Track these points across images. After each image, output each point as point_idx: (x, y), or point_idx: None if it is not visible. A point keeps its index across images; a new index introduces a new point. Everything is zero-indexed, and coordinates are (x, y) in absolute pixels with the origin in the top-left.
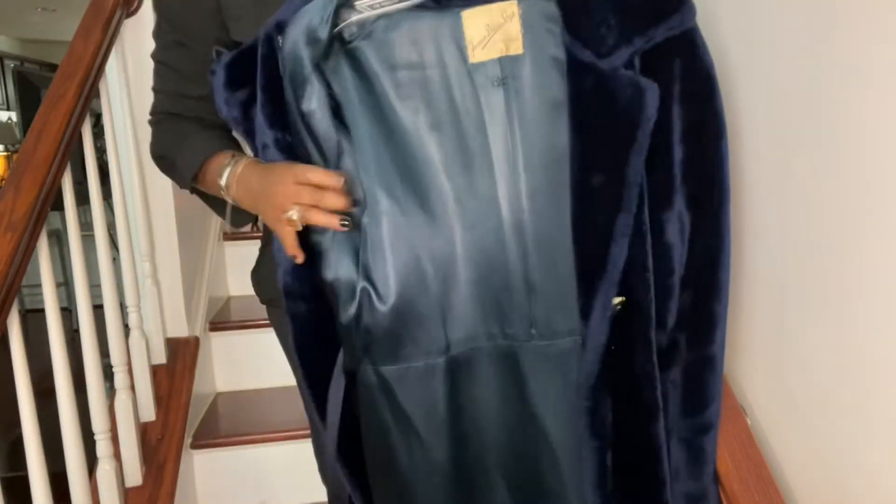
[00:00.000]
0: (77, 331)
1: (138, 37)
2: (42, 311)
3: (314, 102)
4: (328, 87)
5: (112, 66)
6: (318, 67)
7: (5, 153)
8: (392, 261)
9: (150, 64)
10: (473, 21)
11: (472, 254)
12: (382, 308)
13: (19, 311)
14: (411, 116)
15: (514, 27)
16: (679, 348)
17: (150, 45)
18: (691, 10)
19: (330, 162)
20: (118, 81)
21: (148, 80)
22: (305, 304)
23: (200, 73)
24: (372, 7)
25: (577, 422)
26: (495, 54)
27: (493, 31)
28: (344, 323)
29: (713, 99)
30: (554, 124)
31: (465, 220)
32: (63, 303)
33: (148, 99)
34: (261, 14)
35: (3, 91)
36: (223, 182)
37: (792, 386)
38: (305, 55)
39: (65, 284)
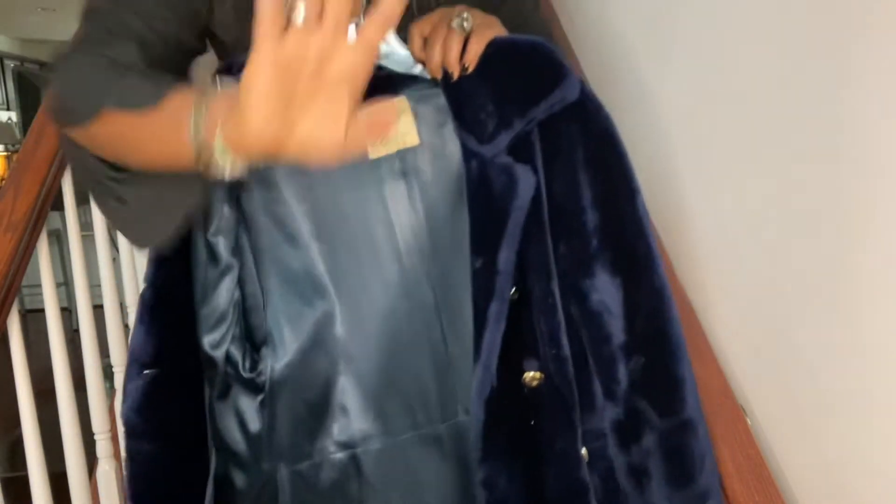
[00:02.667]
0: (77, 331)
1: None
2: (42, 311)
3: (221, 231)
4: (238, 207)
5: None
6: (231, 190)
7: (5, 153)
8: (301, 355)
9: None
10: None
11: (385, 343)
12: (291, 399)
13: (19, 311)
14: (318, 219)
15: (408, 121)
16: (644, 417)
17: None
18: (572, 85)
19: (209, 282)
20: None
21: None
22: (151, 444)
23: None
24: None
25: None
26: (394, 148)
27: None
28: (250, 427)
29: (618, 159)
30: (456, 210)
31: (376, 309)
32: (63, 303)
33: None
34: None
35: (3, 91)
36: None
37: (792, 386)
38: (219, 189)
39: (65, 284)
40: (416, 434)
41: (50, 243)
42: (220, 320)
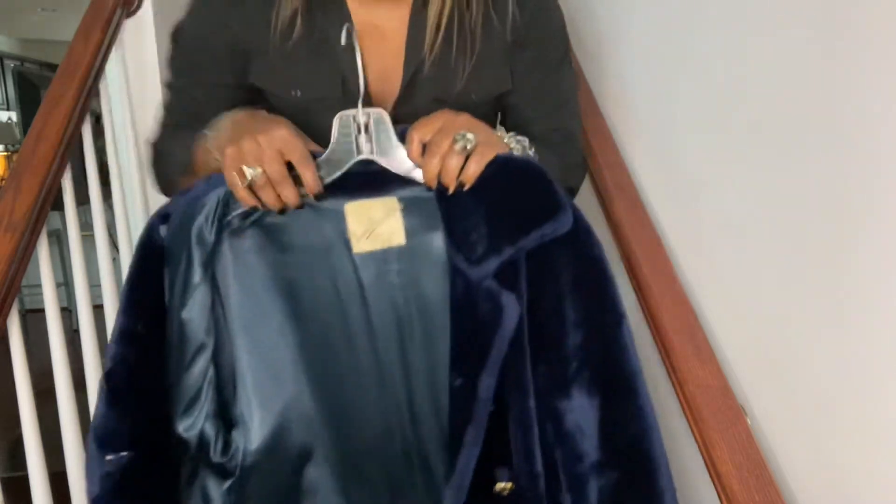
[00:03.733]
0: (77, 331)
1: (138, 37)
2: (42, 311)
3: (195, 309)
4: (214, 285)
5: (112, 66)
6: (207, 267)
7: (5, 153)
8: (272, 440)
9: (150, 63)
10: (356, 215)
11: (355, 430)
12: (260, 485)
13: (19, 311)
14: (294, 303)
15: (396, 221)
16: None
17: (151, 44)
18: (566, 217)
19: (183, 362)
20: (118, 81)
21: (148, 79)
22: None
23: (207, 115)
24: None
25: None
26: (378, 245)
27: (377, 224)
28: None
29: (605, 284)
30: (435, 314)
31: (349, 401)
32: (63, 303)
33: (147, 98)
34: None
35: (3, 91)
36: (209, 133)
37: (792, 386)
38: (195, 257)
39: (65, 284)
40: None
41: (50, 243)
42: (194, 400)
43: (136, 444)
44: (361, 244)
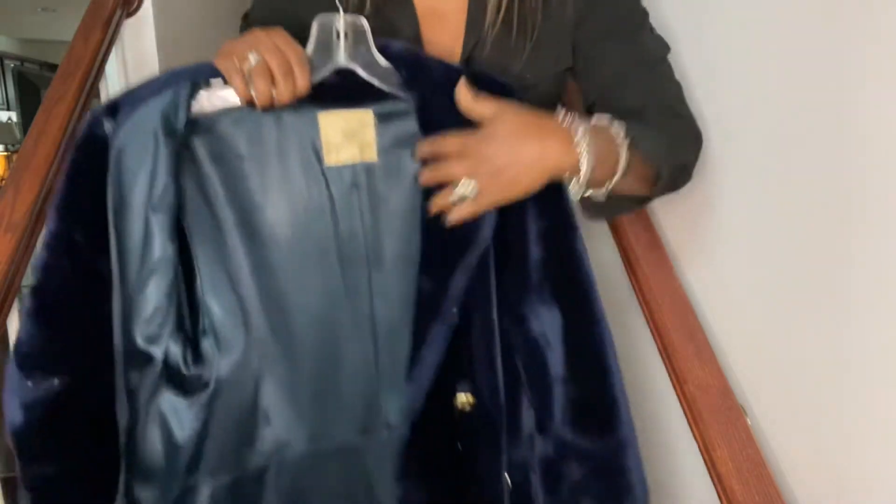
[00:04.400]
0: None
1: (138, 37)
2: None
3: (162, 211)
4: (177, 187)
5: (112, 66)
6: (173, 164)
7: (5, 153)
8: (229, 354)
9: (150, 63)
10: (329, 125)
11: (313, 349)
12: (229, 401)
13: (19, 311)
14: (260, 212)
15: (370, 135)
16: (576, 450)
17: (151, 44)
18: None
19: (145, 269)
20: (118, 81)
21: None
22: (53, 466)
23: None
24: (225, 99)
25: None
26: (350, 159)
27: (349, 137)
28: (176, 435)
29: (561, 202)
30: (404, 229)
31: (311, 315)
32: None
33: None
34: None
35: (3, 91)
36: None
37: (792, 386)
38: (163, 149)
39: None
40: (335, 444)
41: None
42: (157, 311)
43: (69, 370)
44: (332, 156)
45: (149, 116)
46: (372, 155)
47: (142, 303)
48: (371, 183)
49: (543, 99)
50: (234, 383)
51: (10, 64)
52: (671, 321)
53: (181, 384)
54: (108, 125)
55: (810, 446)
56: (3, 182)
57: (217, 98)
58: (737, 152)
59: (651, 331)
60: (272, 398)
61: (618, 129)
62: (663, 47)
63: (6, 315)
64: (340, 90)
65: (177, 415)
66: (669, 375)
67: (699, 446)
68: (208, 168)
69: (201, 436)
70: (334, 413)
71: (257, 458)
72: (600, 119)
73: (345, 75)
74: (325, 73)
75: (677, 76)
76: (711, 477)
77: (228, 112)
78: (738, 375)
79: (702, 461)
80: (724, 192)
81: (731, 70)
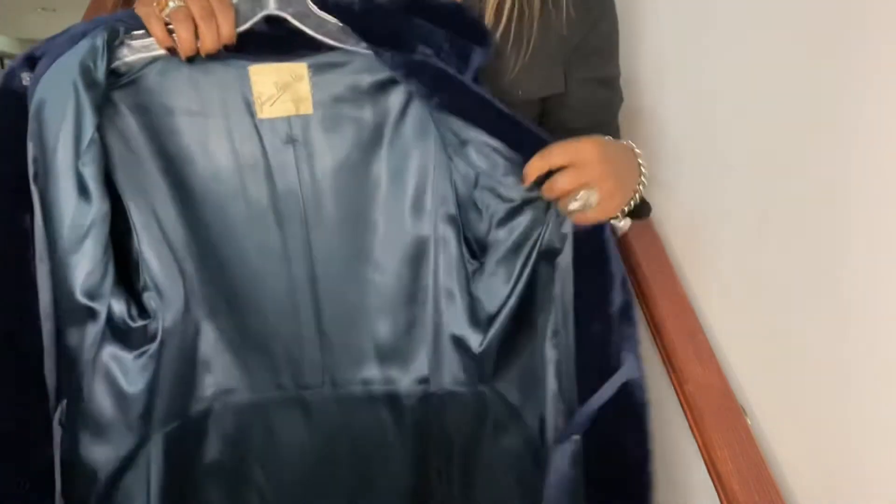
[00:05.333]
0: None
1: None
2: None
3: (91, 166)
4: (103, 142)
5: None
6: (98, 117)
7: None
8: (171, 307)
9: None
10: (261, 77)
11: (251, 302)
12: (173, 352)
13: None
14: (189, 168)
15: (304, 88)
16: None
17: None
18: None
19: (80, 225)
20: None
21: None
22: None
23: None
24: (148, 48)
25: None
26: (284, 113)
27: (283, 90)
28: (126, 389)
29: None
30: (347, 181)
31: (249, 271)
32: None
33: None
34: None
35: None
36: None
37: (792, 386)
38: (85, 100)
39: None
40: (279, 395)
41: None
42: (96, 266)
43: None
44: (265, 110)
45: (67, 67)
46: (308, 108)
47: (79, 260)
48: (308, 137)
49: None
50: (177, 335)
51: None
52: (671, 321)
53: (127, 338)
54: (25, 78)
55: (810, 446)
56: None
57: (139, 46)
58: (737, 152)
59: (651, 331)
60: (212, 349)
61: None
62: (620, 99)
63: None
64: (272, 41)
65: (125, 369)
66: (669, 375)
67: (699, 446)
68: (133, 122)
69: (151, 388)
70: (277, 366)
71: (199, 403)
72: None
73: (277, 24)
74: (253, 20)
75: (677, 80)
76: (711, 477)
77: (153, 63)
78: (738, 375)
79: (702, 461)
80: (725, 191)
81: (730, 70)
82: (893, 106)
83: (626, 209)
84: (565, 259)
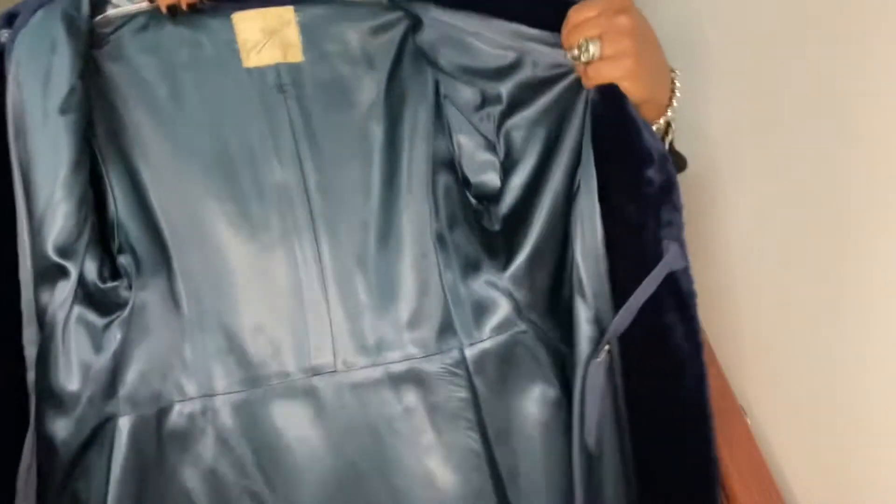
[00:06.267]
0: None
1: None
2: None
3: (71, 116)
4: (85, 93)
5: None
6: (80, 66)
7: None
8: (148, 273)
9: None
10: (245, 24)
11: (254, 268)
12: (149, 323)
13: None
14: (172, 123)
15: (292, 33)
16: None
17: None
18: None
19: (57, 174)
20: None
21: None
22: None
23: None
24: (129, 2)
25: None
26: (271, 60)
27: (269, 36)
28: (92, 357)
29: None
30: (341, 130)
31: (244, 230)
32: None
33: None
34: None
35: None
36: None
37: (792, 386)
38: (67, 49)
39: None
40: (283, 384)
41: None
42: (72, 224)
43: None
44: (252, 58)
45: (49, 20)
46: (296, 55)
47: (55, 216)
48: (299, 84)
49: None
50: (153, 306)
51: None
52: None
53: (97, 302)
54: (3, 34)
55: (810, 446)
56: None
57: (119, 1)
58: (737, 152)
59: None
60: (195, 328)
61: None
62: None
63: None
64: None
65: (92, 335)
66: None
67: None
68: (114, 80)
69: (118, 359)
70: (279, 346)
71: (179, 392)
72: None
73: None
74: None
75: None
76: None
77: (134, 18)
78: (738, 375)
79: None
80: (725, 191)
81: (730, 70)
82: (894, 102)
83: (661, 127)
84: (585, 138)
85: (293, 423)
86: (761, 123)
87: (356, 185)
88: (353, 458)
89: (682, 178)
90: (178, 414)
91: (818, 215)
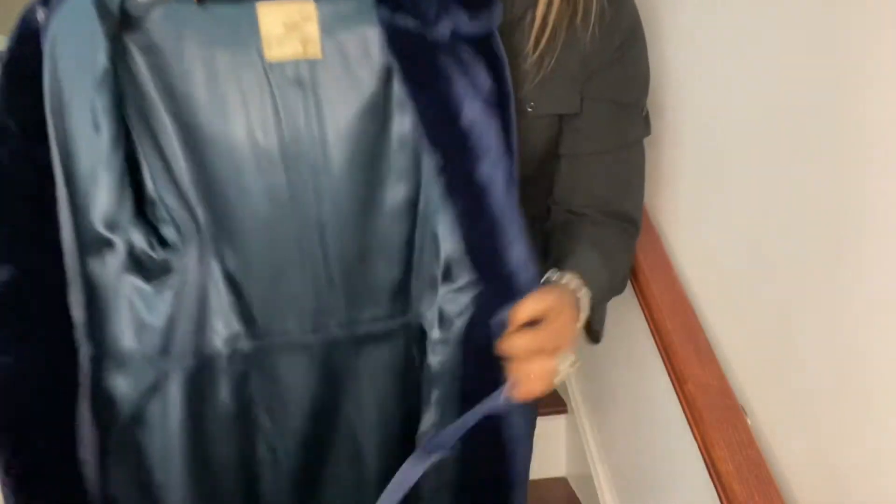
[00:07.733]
0: None
1: None
2: None
3: (105, 96)
4: (117, 75)
5: None
6: (112, 47)
7: None
8: (188, 241)
9: None
10: (269, 16)
11: (264, 249)
12: (192, 287)
13: None
14: (195, 110)
15: (312, 29)
16: None
17: None
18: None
19: (99, 150)
20: None
21: None
22: (9, 356)
23: None
24: None
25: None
26: (292, 53)
27: (290, 30)
28: (147, 320)
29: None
30: (356, 127)
31: (256, 215)
32: None
33: None
34: None
35: None
36: None
37: (792, 386)
38: (99, 30)
39: None
40: (285, 340)
41: None
42: (114, 198)
43: (13, 260)
44: (274, 50)
45: (82, 2)
46: (316, 51)
47: (97, 191)
48: (315, 81)
49: (538, 136)
50: (191, 271)
51: None
52: (671, 321)
53: (147, 270)
54: (41, 13)
55: (810, 446)
56: None
57: None
58: (737, 152)
59: (651, 331)
60: (220, 291)
61: (576, 284)
62: (644, 130)
63: None
64: None
65: (145, 300)
66: (669, 375)
67: (699, 446)
68: (142, 63)
69: (171, 320)
70: (284, 311)
71: (211, 345)
72: (556, 275)
73: None
74: None
75: (677, 78)
76: (711, 477)
77: (162, 3)
78: (738, 375)
79: (702, 461)
80: (725, 191)
81: (730, 71)
82: (895, 104)
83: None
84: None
85: (290, 370)
86: (761, 122)
87: (365, 193)
88: (339, 399)
89: (682, 178)
90: (213, 364)
91: (819, 215)
